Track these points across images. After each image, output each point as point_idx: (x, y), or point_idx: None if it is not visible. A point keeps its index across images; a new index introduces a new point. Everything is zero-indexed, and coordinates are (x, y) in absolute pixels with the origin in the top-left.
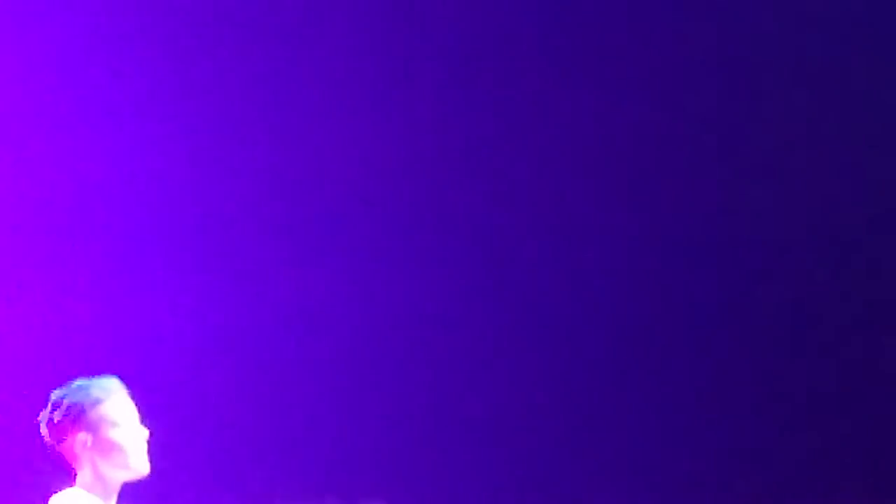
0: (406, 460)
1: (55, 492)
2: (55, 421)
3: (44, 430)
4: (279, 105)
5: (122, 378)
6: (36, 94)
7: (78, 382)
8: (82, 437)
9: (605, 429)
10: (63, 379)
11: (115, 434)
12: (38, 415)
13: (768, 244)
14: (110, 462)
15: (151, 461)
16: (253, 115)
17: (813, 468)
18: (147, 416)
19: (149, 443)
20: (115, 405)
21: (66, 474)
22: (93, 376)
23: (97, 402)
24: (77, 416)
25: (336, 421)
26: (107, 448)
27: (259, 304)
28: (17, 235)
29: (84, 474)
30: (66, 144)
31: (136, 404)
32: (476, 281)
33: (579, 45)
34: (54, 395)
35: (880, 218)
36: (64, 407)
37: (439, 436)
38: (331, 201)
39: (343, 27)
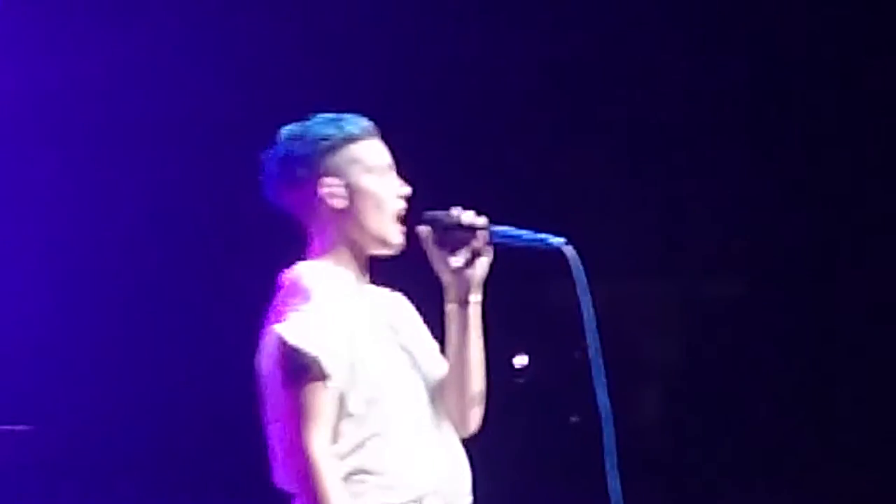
0: None
1: (285, 266)
2: (284, 163)
3: (268, 176)
4: None
5: None
6: None
7: (317, 117)
8: (323, 186)
9: None
10: None
11: (368, 182)
12: None
13: None
14: (359, 221)
15: None
16: None
17: None
18: None
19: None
20: (370, 147)
21: (297, 242)
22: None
23: (349, 138)
24: (317, 156)
25: None
26: (358, 202)
27: None
28: None
29: (322, 239)
30: None
31: None
32: None
33: None
34: (283, 130)
35: None
36: (298, 142)
37: None
38: None
39: None
